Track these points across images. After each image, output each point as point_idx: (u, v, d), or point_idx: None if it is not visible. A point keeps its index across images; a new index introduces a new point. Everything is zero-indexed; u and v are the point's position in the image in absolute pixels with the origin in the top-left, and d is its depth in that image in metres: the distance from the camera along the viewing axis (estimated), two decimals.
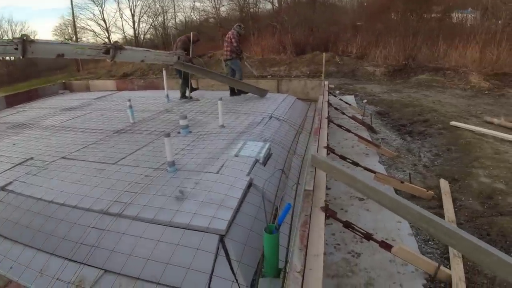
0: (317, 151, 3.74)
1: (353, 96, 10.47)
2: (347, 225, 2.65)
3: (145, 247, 2.71)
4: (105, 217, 3.09)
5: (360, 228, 2.67)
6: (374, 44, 16.04)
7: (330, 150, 4.24)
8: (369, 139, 6.00)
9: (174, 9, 29.14)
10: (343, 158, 4.33)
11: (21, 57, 4.55)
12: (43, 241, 3.10)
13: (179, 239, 2.69)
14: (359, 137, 5.66)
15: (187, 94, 8.32)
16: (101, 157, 4.56)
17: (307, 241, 2.02)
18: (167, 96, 8.23)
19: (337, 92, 11.27)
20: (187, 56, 7.60)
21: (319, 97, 6.99)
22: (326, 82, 9.18)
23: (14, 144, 5.65)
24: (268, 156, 4.22)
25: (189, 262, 2.54)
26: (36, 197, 3.62)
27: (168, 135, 3.69)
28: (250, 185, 3.43)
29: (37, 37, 32.60)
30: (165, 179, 3.62)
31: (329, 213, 2.54)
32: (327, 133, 4.98)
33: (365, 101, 9.81)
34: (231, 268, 2.49)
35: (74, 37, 27.47)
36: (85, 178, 3.87)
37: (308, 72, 15.18)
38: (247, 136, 4.88)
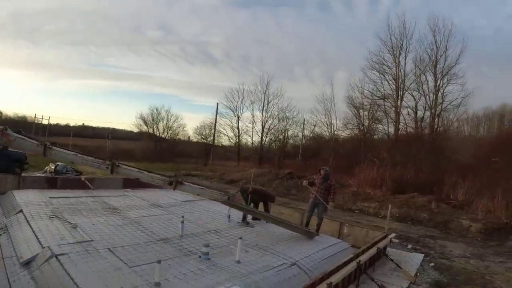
0: None
1: (423, 255, 9.60)
2: None
3: None
4: None
5: None
6: (479, 193, 14.74)
7: None
8: None
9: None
10: None
11: (110, 173, 6.62)
12: None
13: None
14: None
15: (248, 219, 9.41)
16: (130, 258, 5.80)
17: None
18: (229, 216, 9.46)
19: (409, 246, 10.73)
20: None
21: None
22: (392, 235, 9.06)
23: (93, 224, 7.56)
24: None
25: None
26: (71, 276, 4.86)
27: (159, 261, 4.78)
28: None
29: (186, 129, 41.23)
30: None
31: None
32: None
33: (432, 264, 9.03)
34: None
35: (212, 137, 34.01)
36: (105, 274, 5.05)
37: (397, 215, 14.60)
38: (244, 279, 5.44)
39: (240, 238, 6.42)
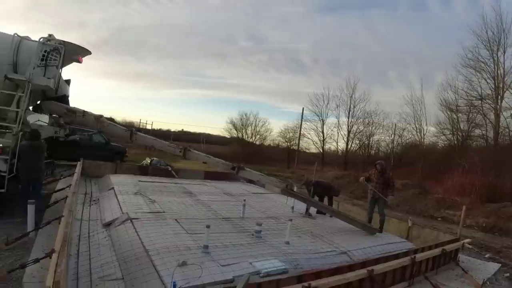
0: None
1: (499, 265, 8.58)
2: None
3: None
4: None
5: None
6: None
7: None
8: None
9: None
10: None
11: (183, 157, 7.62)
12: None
13: None
14: None
15: (312, 212, 9.65)
16: (191, 227, 6.64)
17: None
18: (292, 207, 9.83)
19: (487, 255, 9.76)
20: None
21: None
22: (466, 240, 8.51)
23: (169, 201, 8.71)
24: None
25: None
26: (140, 235, 5.82)
27: (208, 226, 5.47)
28: None
29: (270, 132, 42.10)
30: (198, 256, 5.16)
31: None
32: None
33: (507, 275, 8.09)
34: None
35: (297, 140, 34.32)
36: (166, 236, 5.91)
37: (484, 225, 13.23)
38: (286, 256, 5.76)
39: (290, 220, 6.79)
